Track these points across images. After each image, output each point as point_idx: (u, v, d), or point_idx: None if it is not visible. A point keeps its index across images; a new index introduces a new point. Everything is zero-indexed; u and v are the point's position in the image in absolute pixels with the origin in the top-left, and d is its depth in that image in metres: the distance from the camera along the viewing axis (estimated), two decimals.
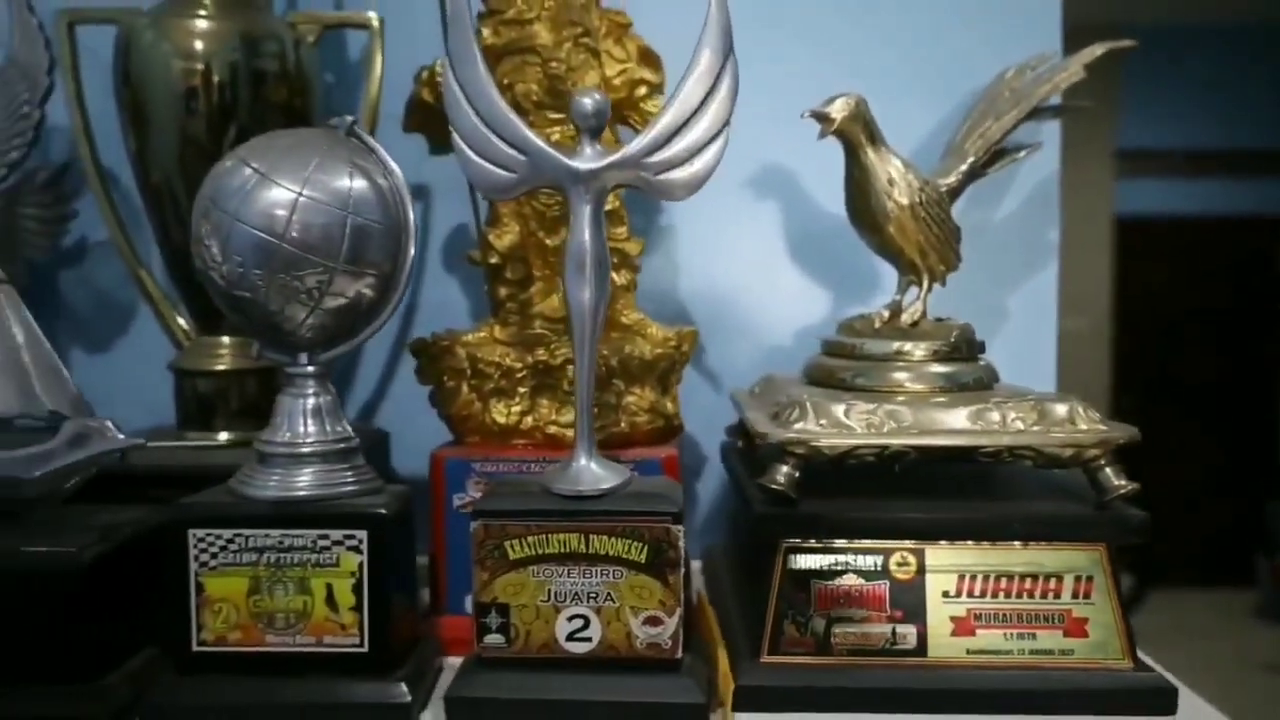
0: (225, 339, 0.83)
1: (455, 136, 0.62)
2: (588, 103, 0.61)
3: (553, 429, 0.74)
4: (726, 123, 0.61)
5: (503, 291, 0.78)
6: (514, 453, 0.74)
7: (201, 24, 0.77)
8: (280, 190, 0.60)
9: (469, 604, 0.73)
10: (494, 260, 0.77)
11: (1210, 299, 3.92)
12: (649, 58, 0.79)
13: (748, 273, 0.98)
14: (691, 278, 0.99)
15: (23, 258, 0.91)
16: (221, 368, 0.82)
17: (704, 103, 0.61)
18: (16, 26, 0.81)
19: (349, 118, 0.64)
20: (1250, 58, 3.67)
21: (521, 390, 0.74)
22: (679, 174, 0.62)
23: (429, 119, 0.78)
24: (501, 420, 0.74)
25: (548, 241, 0.77)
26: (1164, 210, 3.86)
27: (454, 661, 0.70)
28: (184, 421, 0.83)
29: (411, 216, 0.64)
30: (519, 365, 0.74)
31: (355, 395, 0.99)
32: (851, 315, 0.83)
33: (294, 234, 0.59)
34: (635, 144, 0.62)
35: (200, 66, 0.77)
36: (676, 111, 0.61)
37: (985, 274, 0.93)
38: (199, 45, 0.77)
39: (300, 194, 0.60)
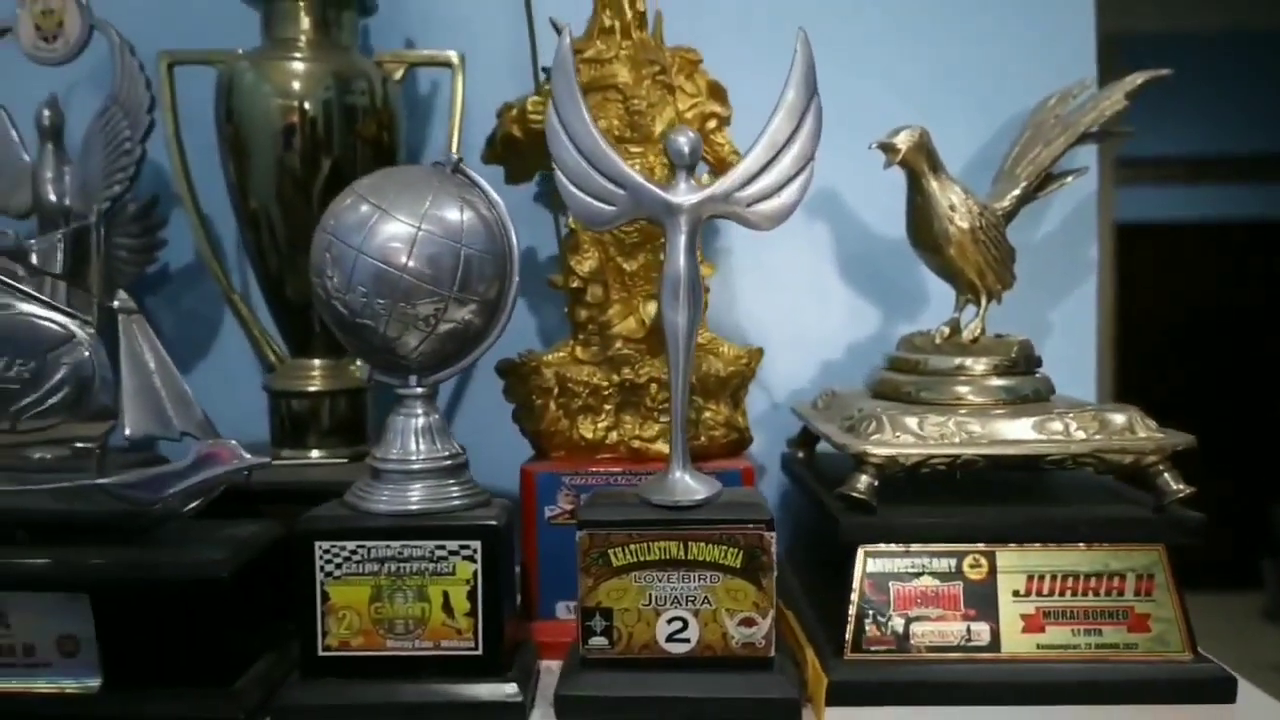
0: (316, 361, 0.87)
1: (558, 172, 0.67)
2: (683, 141, 0.66)
3: (636, 443, 0.79)
4: (811, 158, 0.66)
5: (583, 314, 0.82)
6: (601, 466, 0.78)
7: (298, 65, 0.82)
8: (400, 225, 0.64)
9: (559, 610, 0.78)
10: (575, 284, 0.82)
11: (1214, 303, 3.98)
12: (717, 92, 0.84)
13: (799, 291, 1.03)
14: (745, 297, 1.03)
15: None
16: (313, 388, 0.87)
17: (790, 139, 0.66)
18: (119, 68, 0.85)
19: (455, 156, 0.69)
20: (1249, 64, 3.75)
21: (607, 407, 0.79)
22: (767, 206, 0.67)
23: (511, 152, 0.83)
24: (589, 436, 0.79)
25: (625, 266, 0.82)
26: (1163, 217, 3.93)
27: (546, 664, 0.74)
28: (277, 440, 0.87)
29: (515, 245, 0.68)
30: (605, 384, 0.78)
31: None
32: (897, 331, 0.88)
33: (413, 265, 0.64)
34: (727, 178, 0.66)
35: (297, 104, 0.82)
36: (764, 147, 0.66)
37: (1028, 289, 0.98)
38: (296, 85, 0.82)
39: (419, 228, 0.64)
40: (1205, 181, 3.83)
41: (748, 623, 0.67)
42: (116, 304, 0.68)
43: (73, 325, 0.65)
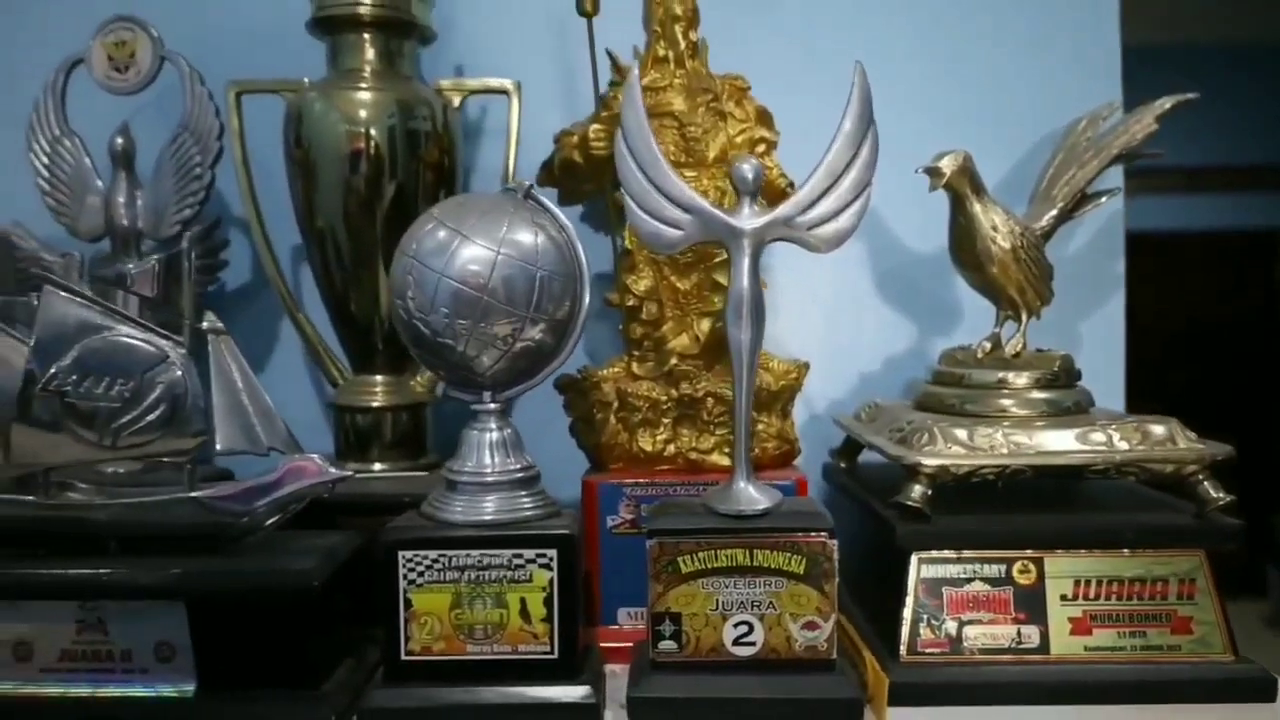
0: (378, 377, 0.91)
1: (627, 198, 0.71)
2: (746, 169, 0.70)
3: (694, 455, 0.82)
4: (868, 184, 0.70)
5: (638, 330, 0.86)
6: (661, 477, 0.82)
7: (364, 94, 0.86)
8: (480, 249, 0.68)
9: (621, 616, 0.81)
10: (631, 302, 0.85)
11: (1215, 313, 4.01)
12: (765, 117, 0.87)
13: (836, 306, 1.07)
14: (784, 311, 1.07)
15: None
16: (376, 403, 0.90)
17: (848, 166, 0.70)
18: (189, 97, 0.89)
19: (526, 182, 0.72)
20: (1249, 75, 3.80)
21: (666, 420, 0.82)
22: (826, 230, 0.70)
23: (569, 176, 0.87)
24: (648, 448, 0.82)
25: (679, 285, 0.85)
26: (1166, 226, 3.97)
27: (610, 668, 0.77)
28: (342, 453, 0.90)
29: (585, 267, 0.72)
30: (664, 398, 0.82)
31: None
32: (931, 345, 0.91)
33: (493, 287, 0.67)
34: (789, 204, 0.70)
35: (364, 131, 0.85)
36: (823, 174, 0.70)
37: (1058, 303, 1.01)
38: (362, 113, 0.85)
39: (498, 252, 0.68)
40: (1204, 191, 3.88)
41: (811, 626, 0.70)
42: (206, 325, 0.71)
43: (166, 346, 0.68)
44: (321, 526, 0.78)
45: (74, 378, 0.65)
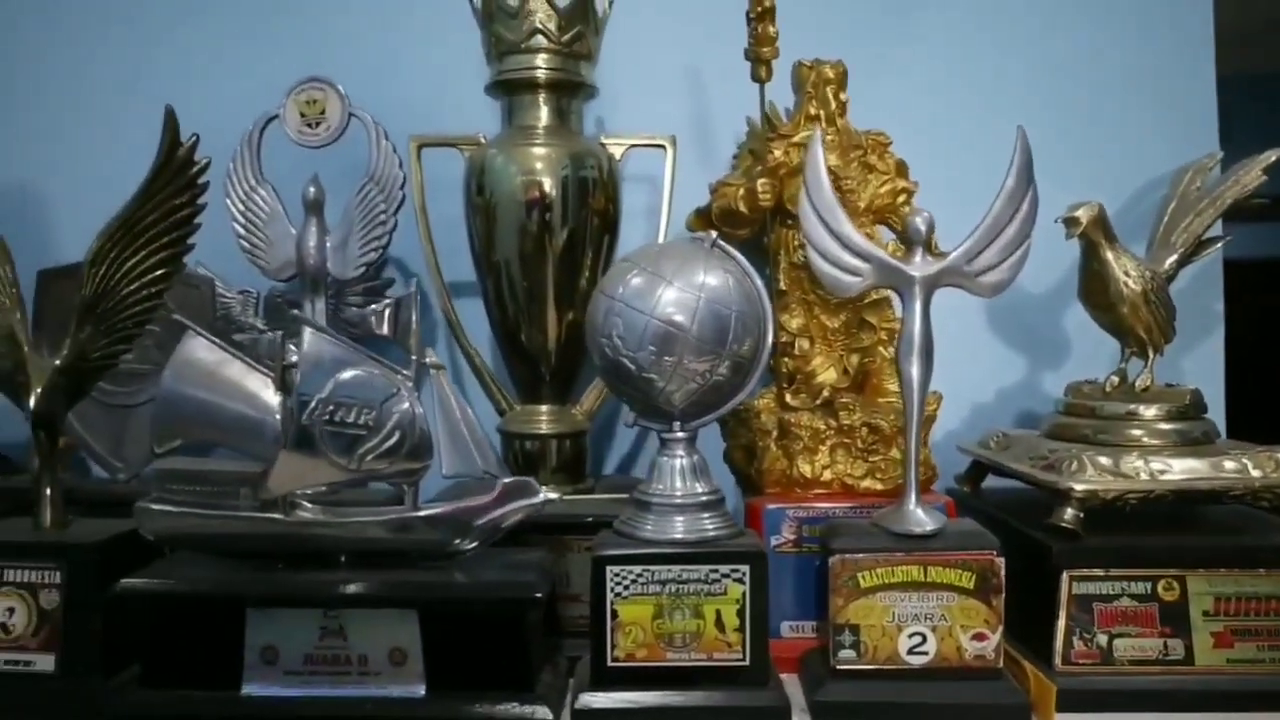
0: (543, 407, 0.98)
1: (810, 249, 0.79)
2: (920, 222, 0.77)
3: (849, 480, 0.89)
4: (1028, 237, 0.77)
5: (790, 364, 0.93)
6: (819, 500, 0.89)
7: (539, 149, 0.94)
8: (683, 293, 0.75)
9: (784, 629, 0.88)
10: (784, 339, 0.92)
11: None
12: (903, 169, 0.95)
13: (950, 342, 1.12)
14: None
15: None
16: (542, 431, 0.97)
17: (1010, 219, 0.77)
18: (374, 150, 0.98)
19: (712, 234, 0.80)
20: None
21: (823, 448, 0.89)
22: (990, 278, 0.78)
23: (725, 223, 0.94)
24: (807, 473, 0.89)
25: (828, 323, 0.93)
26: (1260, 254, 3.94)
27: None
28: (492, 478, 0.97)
29: (769, 309, 0.79)
30: (824, 427, 0.89)
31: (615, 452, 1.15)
32: (1040, 379, 0.98)
33: (695, 327, 0.75)
34: (957, 253, 0.78)
35: (538, 180, 0.94)
36: (987, 227, 0.78)
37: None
38: (538, 165, 0.94)
39: (699, 296, 0.75)
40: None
41: (979, 637, 0.76)
42: (428, 361, 0.79)
43: (398, 379, 0.76)
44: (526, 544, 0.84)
45: (331, 408, 0.73)
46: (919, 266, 0.77)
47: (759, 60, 0.83)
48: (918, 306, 0.77)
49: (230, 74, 1.13)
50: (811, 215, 0.78)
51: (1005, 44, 1.14)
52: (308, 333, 0.73)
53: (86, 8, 1.18)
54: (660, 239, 1.01)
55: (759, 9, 0.80)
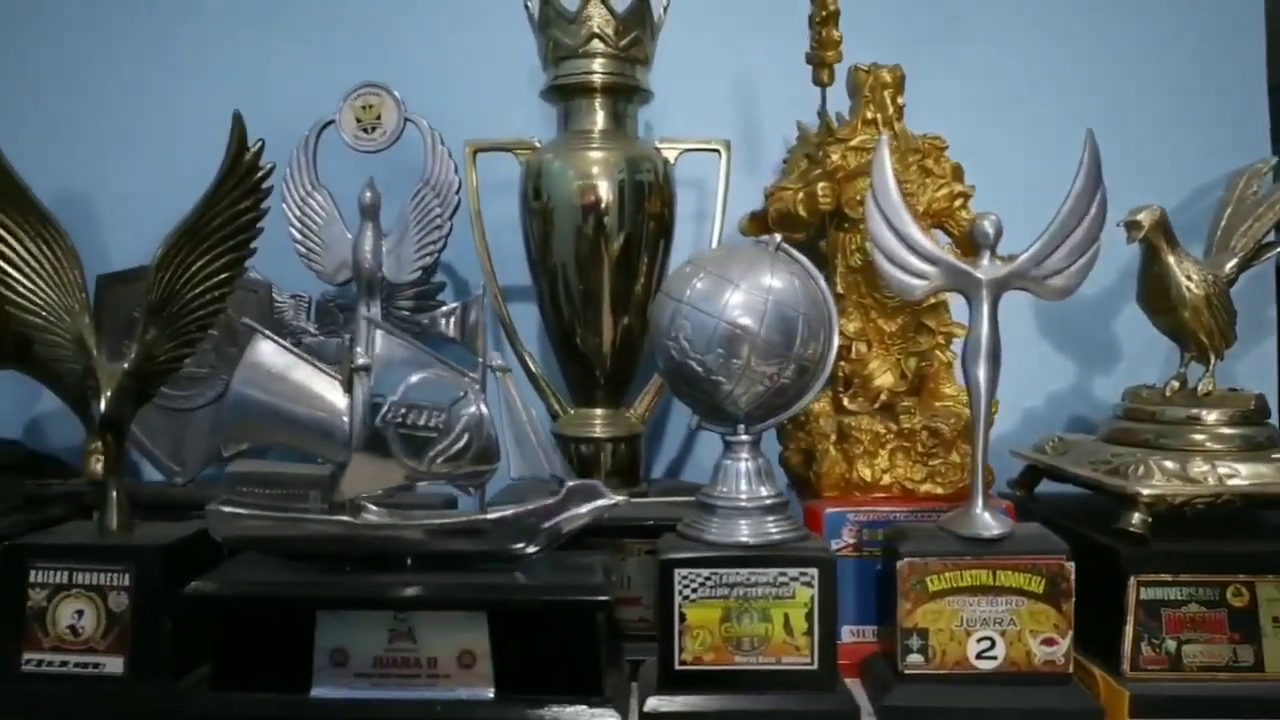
0: (598, 410, 0.98)
1: (876, 252, 0.79)
2: (988, 225, 0.77)
3: (909, 484, 0.89)
4: (1096, 240, 0.77)
5: (846, 368, 0.93)
6: (879, 504, 0.88)
7: (596, 154, 0.95)
8: (752, 295, 0.75)
9: (844, 633, 0.88)
10: (841, 342, 0.92)
11: None
12: (959, 173, 0.95)
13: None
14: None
15: None
16: (597, 434, 0.97)
17: (1079, 222, 0.77)
18: (430, 154, 0.98)
19: (776, 236, 0.80)
20: None
21: (883, 451, 0.89)
22: (1058, 281, 0.78)
23: (785, 226, 0.94)
24: (867, 477, 0.89)
25: (885, 327, 0.93)
26: None
27: None
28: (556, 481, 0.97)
29: (834, 311, 0.79)
30: (884, 431, 0.89)
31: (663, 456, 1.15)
32: (1091, 383, 0.98)
33: (764, 331, 0.75)
34: (1025, 256, 0.77)
35: (595, 184, 0.94)
36: (1056, 230, 0.77)
37: None
38: (594, 169, 0.94)
39: (767, 298, 0.75)
40: None
41: (1049, 642, 0.76)
42: (494, 364, 0.79)
43: (464, 382, 0.76)
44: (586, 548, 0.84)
45: (403, 410, 0.73)
46: (986, 270, 0.77)
47: (821, 64, 0.83)
48: (985, 310, 0.77)
49: (286, 80, 1.14)
50: (878, 218, 0.78)
51: (1055, 50, 1.15)
52: (380, 335, 0.74)
53: (147, 20, 1.19)
54: (713, 243, 1.02)
55: (824, 13, 0.80)
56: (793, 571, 0.76)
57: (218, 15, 1.18)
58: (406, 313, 1.03)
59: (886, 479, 0.89)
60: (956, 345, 0.96)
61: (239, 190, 0.84)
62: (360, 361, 0.77)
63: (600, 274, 0.95)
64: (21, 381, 1.11)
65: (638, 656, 0.83)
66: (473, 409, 0.76)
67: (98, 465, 1.09)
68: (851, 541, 0.88)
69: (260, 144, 0.84)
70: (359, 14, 1.16)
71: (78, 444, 1.14)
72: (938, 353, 0.93)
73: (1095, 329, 1.13)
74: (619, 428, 0.98)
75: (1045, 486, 1.00)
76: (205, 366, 1.00)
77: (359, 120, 0.99)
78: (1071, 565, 0.76)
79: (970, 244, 0.92)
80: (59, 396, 1.08)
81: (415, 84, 1.01)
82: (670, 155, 0.99)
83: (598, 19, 0.93)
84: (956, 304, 1.08)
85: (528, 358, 1.01)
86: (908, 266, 0.78)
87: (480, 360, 0.78)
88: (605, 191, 0.94)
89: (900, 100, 0.93)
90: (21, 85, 1.21)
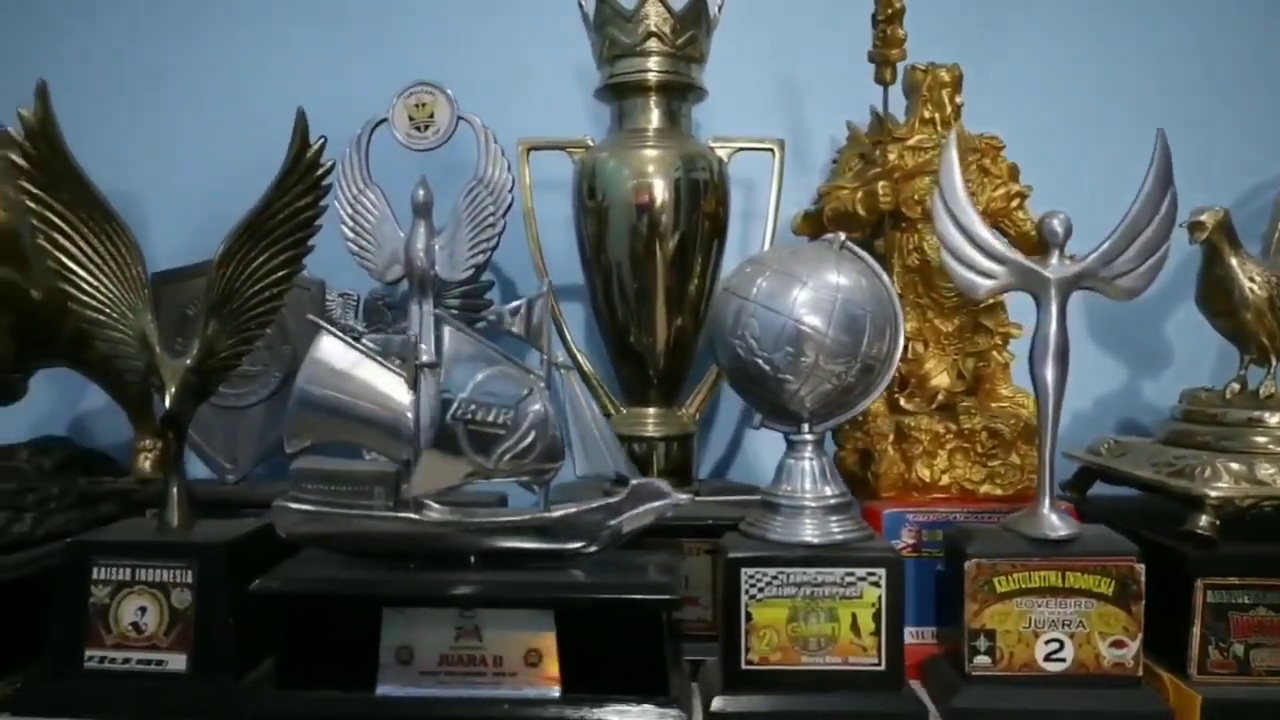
0: (650, 410, 0.98)
1: (944, 251, 0.78)
2: (1057, 224, 0.77)
3: (968, 485, 0.89)
4: (1166, 239, 0.77)
5: (903, 368, 0.93)
6: (938, 505, 0.88)
7: (651, 152, 0.95)
8: (820, 294, 0.75)
9: (905, 634, 0.87)
10: None
11: None
12: (1015, 173, 0.95)
13: None
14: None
15: None
16: (650, 433, 0.97)
17: (1148, 222, 0.77)
18: (483, 153, 0.98)
19: (841, 235, 0.80)
20: None
21: (942, 452, 0.89)
22: (1127, 282, 0.77)
23: (841, 225, 0.94)
24: (926, 478, 0.88)
25: (942, 327, 0.93)
26: None
27: None
28: (618, 480, 0.97)
29: (899, 310, 0.79)
30: (943, 431, 0.88)
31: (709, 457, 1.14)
32: (1139, 386, 0.97)
33: (833, 330, 0.74)
34: (1094, 256, 0.77)
35: (650, 182, 0.94)
36: (1125, 230, 0.77)
37: None
38: (650, 167, 0.94)
39: (836, 297, 0.75)
40: None
41: (1118, 645, 0.75)
42: (558, 361, 0.79)
43: (530, 380, 0.76)
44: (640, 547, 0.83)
45: (473, 407, 0.73)
46: (1055, 269, 0.77)
47: (885, 62, 0.83)
48: (1054, 309, 0.76)
49: (337, 79, 1.14)
50: (945, 217, 0.77)
51: (1113, 47, 1.14)
52: (448, 331, 0.74)
53: (200, 19, 1.20)
54: (766, 243, 1.01)
55: (888, 11, 0.80)
56: (860, 571, 0.75)
57: (262, 13, 1.19)
58: (455, 311, 1.05)
59: (945, 479, 0.89)
60: (1013, 346, 0.97)
61: (300, 187, 0.84)
62: (426, 358, 0.77)
63: (655, 273, 0.94)
64: (65, 380, 1.12)
65: (695, 657, 0.84)
66: (538, 406, 0.76)
67: (146, 463, 1.09)
68: (911, 542, 0.87)
69: (322, 141, 0.84)
70: (411, 14, 1.16)
71: (120, 442, 1.15)
72: (995, 353, 0.92)
73: (1143, 332, 1.13)
74: (672, 427, 0.97)
75: (1097, 489, 1.00)
76: (258, 364, 1.00)
77: (412, 118, 0.99)
78: (1142, 567, 0.75)
79: (1027, 243, 0.92)
80: (111, 394, 1.08)
81: (467, 83, 1.02)
82: (723, 154, 0.99)
83: (655, 17, 0.93)
84: (1013, 305, 1.10)
85: (579, 356, 1.01)
86: (975, 265, 0.77)
87: (544, 357, 0.77)
88: (660, 190, 0.94)
89: (958, 99, 0.93)
90: (76, 86, 1.22)
